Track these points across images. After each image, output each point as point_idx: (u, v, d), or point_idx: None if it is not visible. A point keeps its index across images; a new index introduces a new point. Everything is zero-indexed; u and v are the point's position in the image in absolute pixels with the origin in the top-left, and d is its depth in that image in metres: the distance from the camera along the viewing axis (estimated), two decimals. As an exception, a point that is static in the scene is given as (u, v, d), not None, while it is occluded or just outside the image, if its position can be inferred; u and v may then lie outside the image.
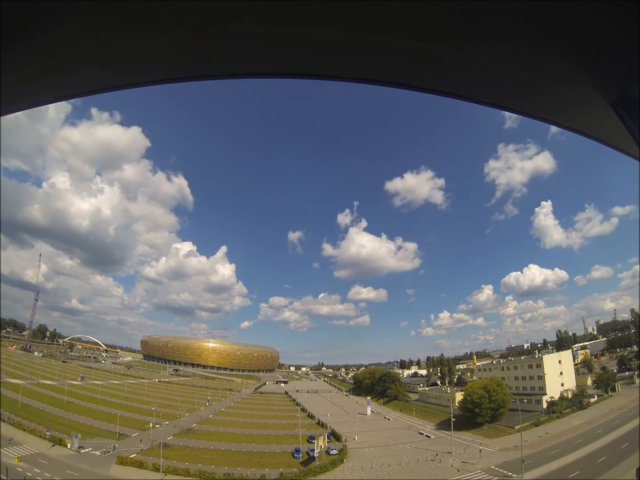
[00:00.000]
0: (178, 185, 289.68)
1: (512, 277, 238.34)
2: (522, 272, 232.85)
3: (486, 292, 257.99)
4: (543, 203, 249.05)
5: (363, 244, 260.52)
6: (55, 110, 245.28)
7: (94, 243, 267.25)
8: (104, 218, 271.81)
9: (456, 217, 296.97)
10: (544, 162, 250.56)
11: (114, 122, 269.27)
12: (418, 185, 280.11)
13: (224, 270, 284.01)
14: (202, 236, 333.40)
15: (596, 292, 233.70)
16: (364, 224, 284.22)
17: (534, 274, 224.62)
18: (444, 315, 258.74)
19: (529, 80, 2.35)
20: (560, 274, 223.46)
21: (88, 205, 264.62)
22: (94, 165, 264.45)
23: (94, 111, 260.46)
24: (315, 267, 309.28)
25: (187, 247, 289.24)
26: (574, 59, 2.12)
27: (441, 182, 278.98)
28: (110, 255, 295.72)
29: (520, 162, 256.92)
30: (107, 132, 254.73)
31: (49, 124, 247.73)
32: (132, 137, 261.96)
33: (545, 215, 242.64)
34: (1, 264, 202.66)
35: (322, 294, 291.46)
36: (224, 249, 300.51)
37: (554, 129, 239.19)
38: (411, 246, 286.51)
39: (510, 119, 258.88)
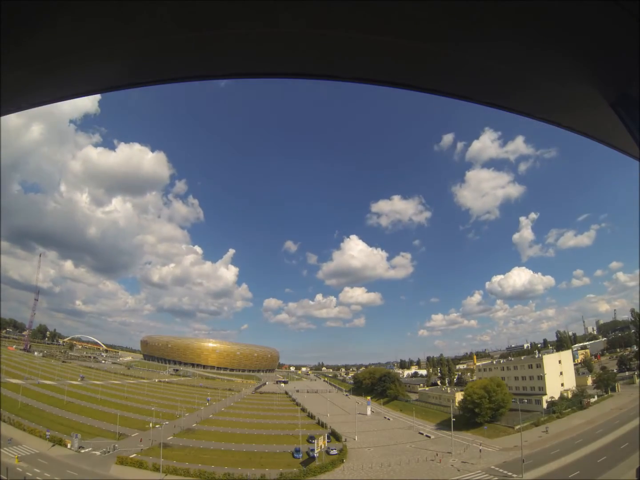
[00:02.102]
0: (183, 189, 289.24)
1: (500, 283, 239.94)
2: (510, 277, 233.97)
3: (478, 297, 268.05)
4: (531, 215, 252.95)
5: (357, 254, 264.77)
6: (74, 134, 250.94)
7: (102, 252, 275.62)
8: (113, 228, 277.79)
9: (445, 231, 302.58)
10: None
11: (125, 142, 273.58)
12: (404, 209, 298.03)
13: (228, 274, 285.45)
14: (207, 242, 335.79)
15: (589, 294, 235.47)
16: (359, 236, 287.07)
17: (522, 279, 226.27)
18: (441, 318, 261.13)
19: (528, 80, 2.35)
20: (547, 279, 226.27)
21: (99, 218, 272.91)
22: (107, 183, 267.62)
23: (107, 131, 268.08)
24: (313, 273, 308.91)
25: (193, 253, 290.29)
26: (574, 59, 2.12)
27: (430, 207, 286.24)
28: (118, 262, 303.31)
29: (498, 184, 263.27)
30: (123, 154, 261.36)
31: (70, 149, 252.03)
32: (145, 159, 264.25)
33: (526, 229, 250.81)
34: (11, 270, 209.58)
35: (322, 297, 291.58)
36: (229, 253, 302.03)
37: (520, 167, 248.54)
38: (405, 256, 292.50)
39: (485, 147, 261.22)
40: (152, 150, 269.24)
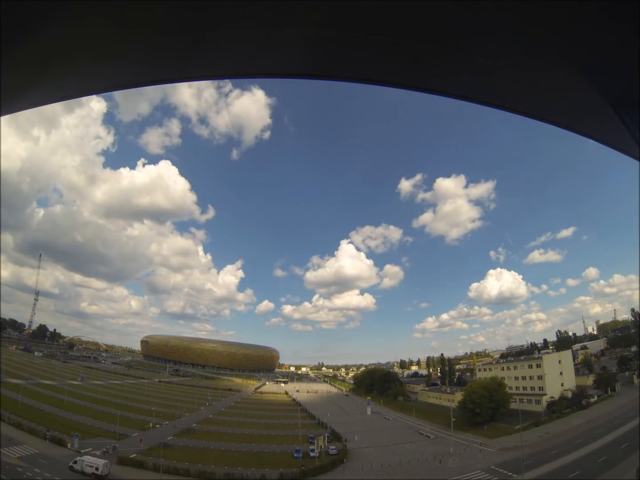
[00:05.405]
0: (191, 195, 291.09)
1: (488, 290, 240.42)
2: (496, 284, 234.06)
3: (468, 301, 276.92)
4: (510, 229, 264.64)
5: (352, 265, 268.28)
6: (96, 160, 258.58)
7: (111, 263, 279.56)
8: (127, 240, 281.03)
9: (430, 247, 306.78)
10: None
11: (138, 164, 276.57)
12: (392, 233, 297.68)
13: (233, 280, 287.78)
14: (215, 249, 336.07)
15: (580, 296, 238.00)
16: (353, 250, 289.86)
17: (507, 285, 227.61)
18: (433, 319, 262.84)
19: (528, 81, 2.35)
20: (530, 286, 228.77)
21: (111, 231, 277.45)
22: (122, 204, 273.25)
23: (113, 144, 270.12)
24: (312, 279, 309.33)
25: (200, 259, 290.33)
26: (574, 59, 2.12)
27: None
28: (126, 270, 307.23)
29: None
30: (141, 178, 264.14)
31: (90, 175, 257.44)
32: (166, 185, 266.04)
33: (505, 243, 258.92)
34: (25, 277, 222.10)
35: (321, 301, 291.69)
36: (236, 260, 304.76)
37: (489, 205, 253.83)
38: (396, 267, 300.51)
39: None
40: (170, 174, 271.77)
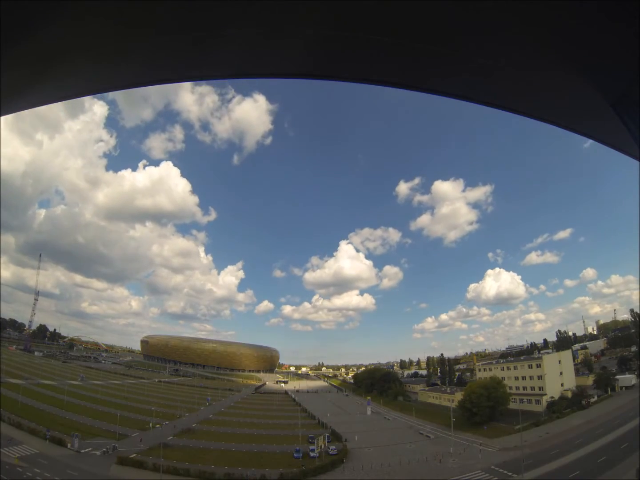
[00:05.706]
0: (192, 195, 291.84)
1: (485, 291, 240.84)
2: (494, 285, 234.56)
3: (466, 301, 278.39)
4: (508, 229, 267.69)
5: (350, 266, 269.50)
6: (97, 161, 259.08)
7: (112, 264, 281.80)
8: (127, 241, 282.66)
9: (429, 249, 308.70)
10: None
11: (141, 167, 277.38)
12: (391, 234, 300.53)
13: (233, 280, 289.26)
14: (216, 250, 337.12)
15: (578, 296, 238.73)
16: (352, 251, 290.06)
17: (506, 286, 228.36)
18: (432, 320, 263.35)
19: (529, 81, 2.35)
20: (528, 287, 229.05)
21: (113, 232, 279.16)
22: (120, 201, 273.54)
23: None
24: (311, 280, 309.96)
25: (201, 260, 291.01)
26: (574, 59, 2.12)
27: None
28: (127, 271, 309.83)
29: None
30: (143, 181, 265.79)
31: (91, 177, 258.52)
32: (169, 188, 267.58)
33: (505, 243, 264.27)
34: (26, 277, 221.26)
35: (321, 301, 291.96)
36: (236, 261, 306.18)
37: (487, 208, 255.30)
38: (395, 269, 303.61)
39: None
40: (172, 177, 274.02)
